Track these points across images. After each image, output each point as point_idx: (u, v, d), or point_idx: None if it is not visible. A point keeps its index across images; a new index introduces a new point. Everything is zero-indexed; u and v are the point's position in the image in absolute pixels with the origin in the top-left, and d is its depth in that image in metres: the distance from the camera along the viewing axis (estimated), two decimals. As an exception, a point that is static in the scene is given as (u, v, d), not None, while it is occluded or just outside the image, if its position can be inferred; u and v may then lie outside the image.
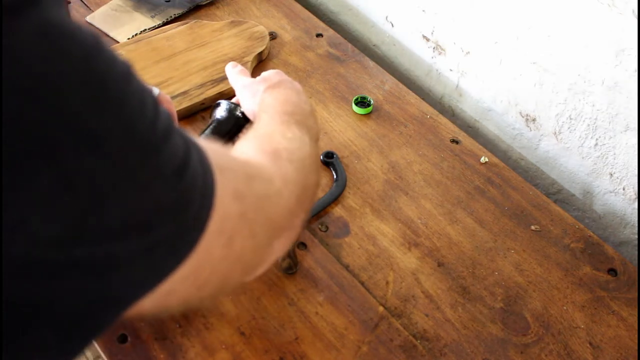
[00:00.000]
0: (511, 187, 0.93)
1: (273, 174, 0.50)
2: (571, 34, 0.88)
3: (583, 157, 0.96)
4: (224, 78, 0.97)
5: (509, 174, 0.95)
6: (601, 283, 0.82)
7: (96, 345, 0.70)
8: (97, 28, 1.12)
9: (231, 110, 0.77)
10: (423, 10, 1.12)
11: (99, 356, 0.72)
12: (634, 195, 0.91)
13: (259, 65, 1.09)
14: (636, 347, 0.76)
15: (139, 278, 0.36)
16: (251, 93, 0.74)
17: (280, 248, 0.52)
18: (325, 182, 0.91)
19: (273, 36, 1.14)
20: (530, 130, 1.03)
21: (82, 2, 1.19)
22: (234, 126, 0.77)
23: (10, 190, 0.29)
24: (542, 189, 1.05)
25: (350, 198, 0.89)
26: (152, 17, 1.15)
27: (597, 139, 0.92)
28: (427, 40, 1.14)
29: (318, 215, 0.87)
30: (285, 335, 0.73)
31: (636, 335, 0.77)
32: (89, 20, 1.14)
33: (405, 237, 0.85)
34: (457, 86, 1.13)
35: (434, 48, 1.14)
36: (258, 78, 0.76)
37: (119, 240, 0.33)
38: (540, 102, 0.99)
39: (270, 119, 0.62)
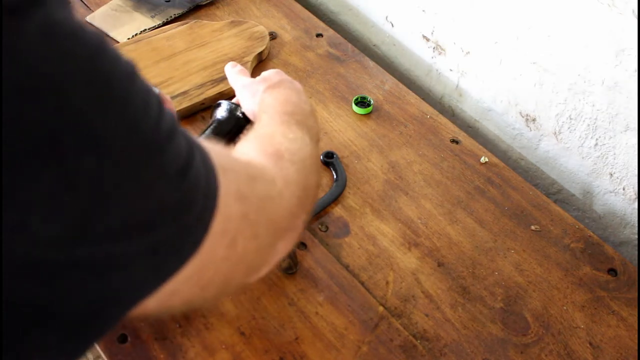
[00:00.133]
0: (511, 187, 0.93)
1: (275, 174, 0.50)
2: (571, 34, 0.88)
3: (583, 157, 0.96)
4: (224, 78, 0.97)
5: (509, 174, 0.95)
6: (601, 283, 0.82)
7: (96, 345, 0.70)
8: (97, 28, 1.12)
9: (232, 111, 0.77)
10: (423, 10, 1.12)
11: (99, 356, 0.72)
12: (634, 195, 0.91)
13: (259, 65, 1.09)
14: (636, 347, 0.76)
15: (141, 278, 0.36)
16: (251, 93, 0.74)
17: (282, 249, 0.52)
18: (325, 182, 0.91)
19: (273, 36, 1.14)
20: (530, 130, 1.03)
21: (82, 2, 1.19)
22: (235, 126, 0.76)
23: (10, 190, 0.29)
24: (542, 189, 1.05)
25: (350, 198, 0.89)
26: (152, 17, 1.15)
27: (597, 139, 0.92)
28: (427, 40, 1.14)
29: (318, 215, 0.87)
30: (285, 335, 0.73)
31: (636, 335, 0.77)
32: (89, 20, 1.14)
33: (405, 237, 0.85)
34: (457, 86, 1.13)
35: (434, 48, 1.14)
36: (258, 78, 0.75)
37: (120, 241, 0.33)
38: (540, 102, 0.99)
39: (270, 119, 0.62)
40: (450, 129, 1.01)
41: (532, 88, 0.99)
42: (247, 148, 0.56)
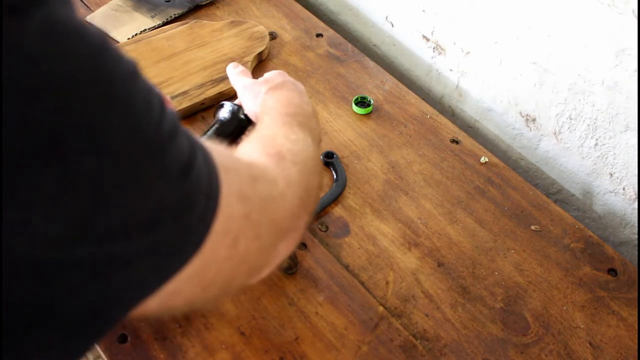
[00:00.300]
0: (511, 187, 0.93)
1: (277, 175, 0.50)
2: (571, 34, 0.88)
3: (583, 157, 0.96)
4: (224, 78, 0.97)
5: (509, 174, 0.95)
6: (601, 283, 0.82)
7: (96, 345, 0.70)
8: (97, 28, 1.13)
9: (234, 112, 0.77)
10: (423, 10, 1.12)
11: (99, 356, 0.72)
12: (634, 195, 0.91)
13: (259, 65, 1.09)
14: (636, 347, 0.76)
15: (142, 278, 0.36)
16: (253, 94, 0.74)
17: (284, 250, 0.52)
18: (326, 182, 0.91)
19: (273, 36, 1.14)
20: (530, 130, 1.03)
21: (82, 2, 1.19)
22: (237, 128, 0.77)
23: (11, 190, 0.29)
24: (542, 189, 1.05)
25: (350, 198, 0.89)
26: (152, 17, 1.15)
27: (597, 139, 0.92)
28: (427, 40, 1.14)
29: (318, 215, 0.87)
30: (285, 335, 0.73)
31: (636, 335, 0.77)
32: (88, 20, 1.14)
33: (405, 237, 0.85)
34: (457, 86, 1.13)
35: (434, 48, 1.14)
36: (260, 79, 0.75)
37: (121, 241, 0.33)
38: (540, 102, 0.99)
39: (272, 120, 0.62)
40: (450, 129, 1.01)
41: (532, 88, 0.99)
42: (249, 149, 0.56)
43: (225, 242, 0.41)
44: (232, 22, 1.13)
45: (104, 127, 0.31)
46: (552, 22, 0.90)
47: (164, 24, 1.14)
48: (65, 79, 0.30)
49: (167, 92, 0.99)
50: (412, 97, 1.06)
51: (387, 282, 0.80)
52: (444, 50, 1.12)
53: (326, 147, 0.95)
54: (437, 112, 1.04)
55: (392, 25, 1.21)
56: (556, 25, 0.90)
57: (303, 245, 0.82)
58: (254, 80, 0.77)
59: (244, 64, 1.03)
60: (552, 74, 0.94)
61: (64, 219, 0.30)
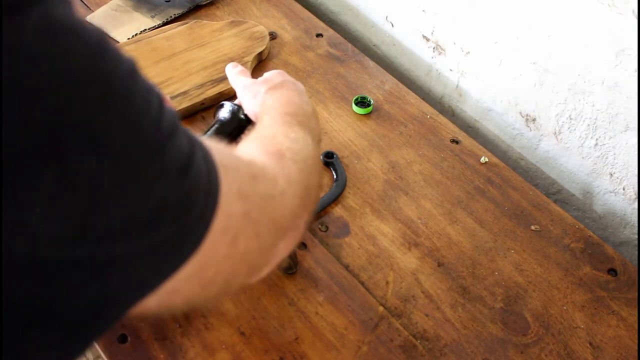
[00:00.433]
0: (511, 187, 0.93)
1: (277, 174, 0.50)
2: (571, 34, 0.88)
3: (583, 157, 0.96)
4: (224, 78, 0.97)
5: (509, 174, 0.95)
6: (601, 283, 0.82)
7: (96, 345, 0.70)
8: (97, 28, 1.12)
9: (234, 112, 0.77)
10: (423, 10, 1.12)
11: (99, 356, 0.72)
12: (634, 195, 0.91)
13: (259, 65, 1.09)
14: (636, 347, 0.76)
15: (142, 278, 0.36)
16: (252, 94, 0.74)
17: (284, 249, 0.52)
18: (326, 182, 0.91)
19: (273, 36, 1.14)
20: (530, 130, 1.03)
21: (82, 2, 1.19)
22: (237, 127, 0.77)
23: (11, 190, 0.29)
24: (542, 189, 1.05)
25: (350, 198, 0.89)
26: (152, 17, 1.15)
27: (597, 139, 0.92)
28: (427, 40, 1.14)
29: (318, 215, 0.87)
30: (285, 335, 0.73)
31: (636, 335, 0.77)
32: (88, 20, 1.14)
33: (405, 237, 0.85)
34: (457, 86, 1.13)
35: (434, 48, 1.14)
36: (260, 79, 0.75)
37: (121, 240, 0.33)
38: (540, 102, 0.99)
39: (272, 120, 0.62)
40: (450, 129, 1.01)
41: (532, 88, 0.99)
42: (248, 148, 0.56)
43: (225, 240, 0.41)
44: (232, 22, 1.13)
45: (104, 127, 0.31)
46: (552, 22, 0.91)
47: (164, 24, 1.14)
48: (65, 78, 0.30)
49: (167, 92, 0.99)
50: (412, 97, 1.06)
51: (387, 282, 0.80)
52: (444, 50, 1.12)
53: (326, 147, 0.95)
54: (437, 112, 1.04)
55: (392, 25, 1.21)
56: (556, 25, 0.90)
57: (303, 245, 0.82)
58: (254, 80, 0.77)
59: (244, 64, 1.03)
60: (552, 74, 0.94)
61: (64, 219, 0.30)
